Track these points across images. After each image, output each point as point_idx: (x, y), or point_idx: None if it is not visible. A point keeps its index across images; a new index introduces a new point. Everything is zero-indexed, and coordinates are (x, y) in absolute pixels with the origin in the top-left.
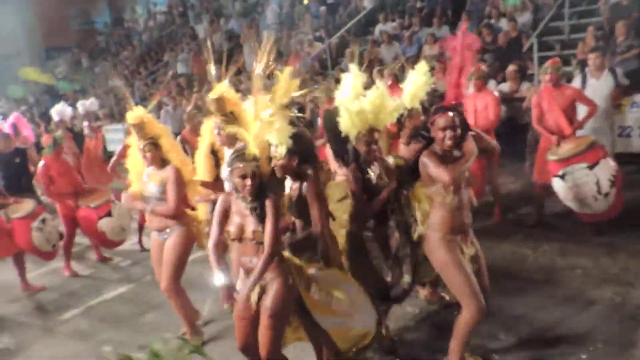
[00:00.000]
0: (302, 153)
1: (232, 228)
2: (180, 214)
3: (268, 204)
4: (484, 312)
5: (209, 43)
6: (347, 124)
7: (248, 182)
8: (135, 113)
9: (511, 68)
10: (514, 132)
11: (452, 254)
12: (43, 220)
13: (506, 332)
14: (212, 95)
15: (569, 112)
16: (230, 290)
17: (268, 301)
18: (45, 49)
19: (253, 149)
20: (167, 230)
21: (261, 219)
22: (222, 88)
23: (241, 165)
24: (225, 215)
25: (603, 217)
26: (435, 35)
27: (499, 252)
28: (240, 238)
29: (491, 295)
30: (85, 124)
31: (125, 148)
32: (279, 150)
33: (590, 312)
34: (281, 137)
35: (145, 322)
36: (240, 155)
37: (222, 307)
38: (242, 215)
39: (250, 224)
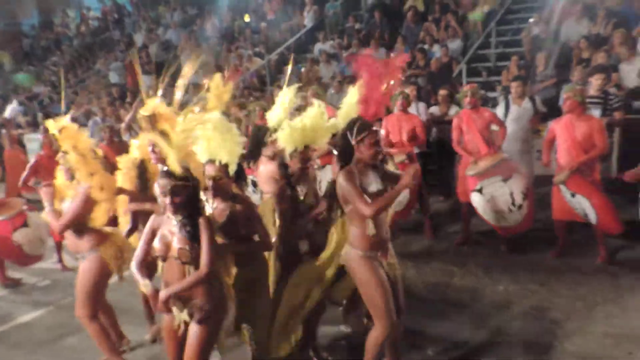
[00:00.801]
0: (237, 171)
1: (157, 245)
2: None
3: (202, 222)
4: (395, 329)
5: (143, 53)
6: (285, 139)
7: (168, 199)
8: (61, 123)
9: (442, 92)
10: (444, 152)
11: (373, 272)
12: None
13: (432, 349)
14: (144, 112)
15: (486, 134)
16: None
17: (195, 326)
18: None
19: (174, 165)
20: (82, 253)
21: (192, 236)
22: (155, 103)
23: (162, 182)
24: (154, 234)
25: (517, 230)
26: (372, 57)
27: (428, 269)
28: (165, 256)
29: (419, 311)
30: (3, 132)
31: (39, 161)
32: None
33: (512, 326)
34: (212, 151)
35: (65, 347)
36: (164, 172)
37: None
38: (170, 232)
39: (177, 242)
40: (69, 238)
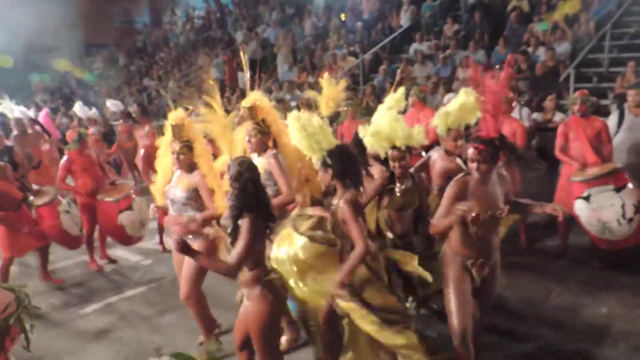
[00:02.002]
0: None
1: None
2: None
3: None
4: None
5: (243, 50)
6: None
7: None
8: (177, 114)
9: (550, 98)
10: (545, 162)
11: (456, 274)
12: (68, 203)
13: None
14: (245, 104)
15: (595, 144)
16: None
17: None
18: (84, 44)
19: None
20: (190, 236)
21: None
22: (256, 96)
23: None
24: None
25: (621, 245)
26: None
27: (522, 283)
28: None
29: (511, 324)
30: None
31: (147, 151)
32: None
33: (613, 356)
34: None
35: (163, 323)
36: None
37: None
38: None
39: None
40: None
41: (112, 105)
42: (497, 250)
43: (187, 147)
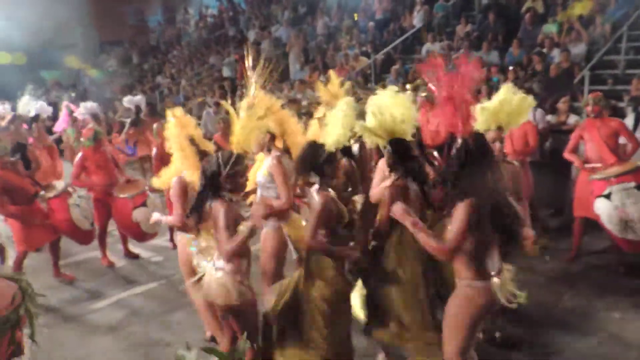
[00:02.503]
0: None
1: None
2: None
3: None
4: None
5: (255, 48)
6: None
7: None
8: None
9: (564, 100)
10: (559, 165)
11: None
12: (79, 197)
13: None
14: (245, 103)
15: (612, 144)
16: None
17: None
18: (99, 42)
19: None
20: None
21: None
22: (259, 95)
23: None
24: None
25: None
26: (483, 60)
27: (534, 286)
28: None
29: (521, 327)
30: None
31: (84, 157)
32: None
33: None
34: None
35: (173, 320)
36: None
37: None
38: None
39: None
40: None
41: (128, 102)
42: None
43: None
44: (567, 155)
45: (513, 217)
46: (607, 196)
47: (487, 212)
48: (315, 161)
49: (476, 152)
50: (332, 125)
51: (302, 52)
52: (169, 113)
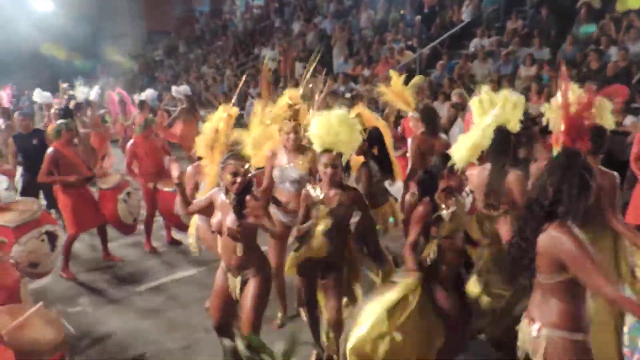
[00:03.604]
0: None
1: (214, 220)
2: None
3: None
4: None
5: (299, 41)
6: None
7: (238, 179)
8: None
9: (618, 101)
10: (612, 167)
11: None
12: (128, 194)
13: None
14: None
15: None
16: None
17: (249, 293)
18: (147, 32)
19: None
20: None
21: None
22: (291, 94)
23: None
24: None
25: None
26: (534, 56)
27: None
28: (220, 232)
29: None
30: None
31: (135, 144)
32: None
33: None
34: (329, 142)
35: None
36: (235, 155)
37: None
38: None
39: (229, 220)
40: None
41: (176, 92)
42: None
43: (299, 126)
44: (632, 164)
45: None
46: None
47: None
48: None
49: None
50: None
51: (346, 45)
52: (222, 109)
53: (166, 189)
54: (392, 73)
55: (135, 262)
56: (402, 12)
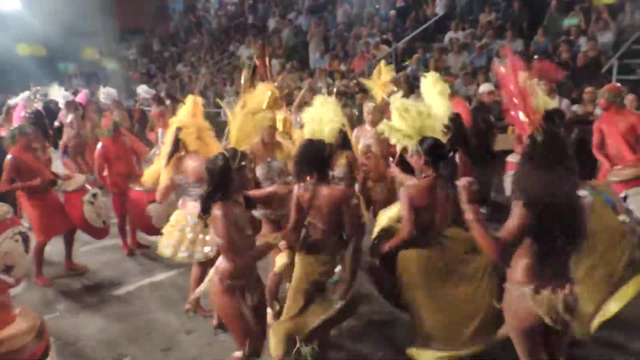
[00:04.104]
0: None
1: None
2: None
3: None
4: None
5: (275, 38)
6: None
7: None
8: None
9: (587, 91)
10: (586, 156)
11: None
12: (94, 195)
13: None
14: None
15: (631, 139)
16: None
17: None
18: (119, 30)
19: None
20: None
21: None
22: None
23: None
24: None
25: None
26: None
27: None
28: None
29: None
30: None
31: (104, 147)
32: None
33: None
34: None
35: None
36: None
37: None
38: None
39: None
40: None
41: (144, 91)
42: None
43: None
44: (595, 152)
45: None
46: (624, 199)
47: (549, 213)
48: (320, 157)
49: (544, 149)
50: (326, 118)
51: (322, 41)
52: (189, 99)
53: (137, 189)
54: (382, 65)
55: (112, 265)
56: (377, 6)
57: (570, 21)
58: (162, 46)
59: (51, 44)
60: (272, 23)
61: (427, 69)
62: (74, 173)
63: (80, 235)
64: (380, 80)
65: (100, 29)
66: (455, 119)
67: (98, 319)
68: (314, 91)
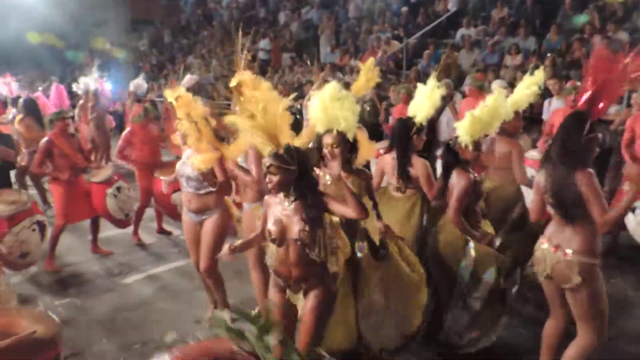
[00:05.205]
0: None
1: (272, 227)
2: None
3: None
4: None
5: (285, 31)
6: (466, 130)
7: (267, 178)
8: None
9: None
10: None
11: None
12: (118, 188)
13: None
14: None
15: None
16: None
17: (309, 304)
18: (131, 20)
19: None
20: (207, 212)
21: (310, 219)
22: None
23: (263, 161)
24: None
25: None
26: (519, 47)
27: None
28: (282, 240)
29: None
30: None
31: (131, 132)
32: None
33: None
34: (329, 121)
35: (200, 297)
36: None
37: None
38: (284, 215)
39: (296, 224)
40: (195, 198)
41: (135, 86)
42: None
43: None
44: (623, 150)
45: None
46: (632, 210)
47: None
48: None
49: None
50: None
51: (333, 35)
52: (167, 93)
53: (163, 178)
54: (369, 62)
55: (124, 253)
56: (388, 2)
57: (581, 19)
58: (174, 38)
59: (62, 33)
60: (282, 17)
61: (438, 65)
62: (106, 165)
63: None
64: (368, 75)
65: (111, 19)
66: (429, 125)
67: (108, 306)
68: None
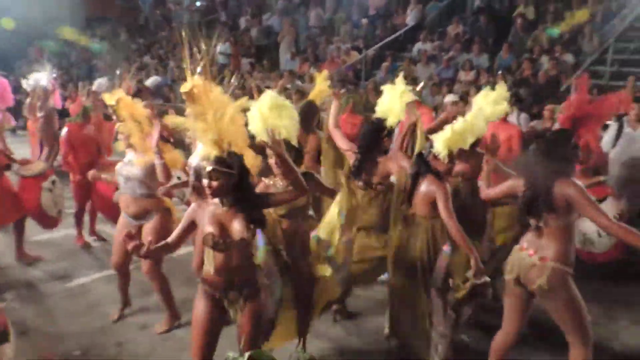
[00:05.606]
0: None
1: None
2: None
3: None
4: None
5: (245, 37)
6: (445, 143)
7: (206, 182)
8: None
9: (547, 108)
10: None
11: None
12: (53, 182)
13: None
14: (184, 88)
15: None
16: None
17: (250, 310)
18: (86, 17)
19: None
20: (147, 216)
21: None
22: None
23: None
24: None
25: (603, 258)
26: (472, 63)
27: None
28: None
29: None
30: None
31: (70, 133)
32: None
33: None
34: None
35: (149, 302)
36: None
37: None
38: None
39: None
40: (133, 202)
41: (98, 85)
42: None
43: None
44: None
45: None
46: None
47: None
48: None
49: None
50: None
51: (293, 43)
52: (106, 97)
53: (104, 175)
54: (324, 73)
55: (64, 257)
56: (349, 13)
57: (550, 32)
58: (130, 37)
59: (30, 26)
60: (243, 22)
61: (394, 78)
62: (37, 159)
63: (32, 224)
64: (322, 85)
65: (66, 14)
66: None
67: (49, 311)
68: (285, 93)
